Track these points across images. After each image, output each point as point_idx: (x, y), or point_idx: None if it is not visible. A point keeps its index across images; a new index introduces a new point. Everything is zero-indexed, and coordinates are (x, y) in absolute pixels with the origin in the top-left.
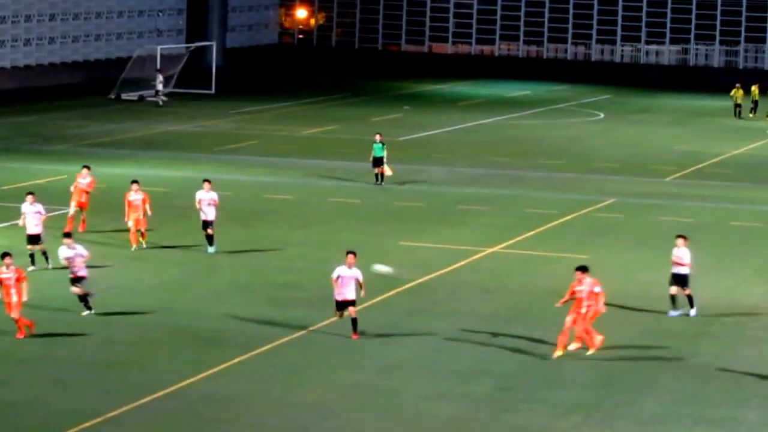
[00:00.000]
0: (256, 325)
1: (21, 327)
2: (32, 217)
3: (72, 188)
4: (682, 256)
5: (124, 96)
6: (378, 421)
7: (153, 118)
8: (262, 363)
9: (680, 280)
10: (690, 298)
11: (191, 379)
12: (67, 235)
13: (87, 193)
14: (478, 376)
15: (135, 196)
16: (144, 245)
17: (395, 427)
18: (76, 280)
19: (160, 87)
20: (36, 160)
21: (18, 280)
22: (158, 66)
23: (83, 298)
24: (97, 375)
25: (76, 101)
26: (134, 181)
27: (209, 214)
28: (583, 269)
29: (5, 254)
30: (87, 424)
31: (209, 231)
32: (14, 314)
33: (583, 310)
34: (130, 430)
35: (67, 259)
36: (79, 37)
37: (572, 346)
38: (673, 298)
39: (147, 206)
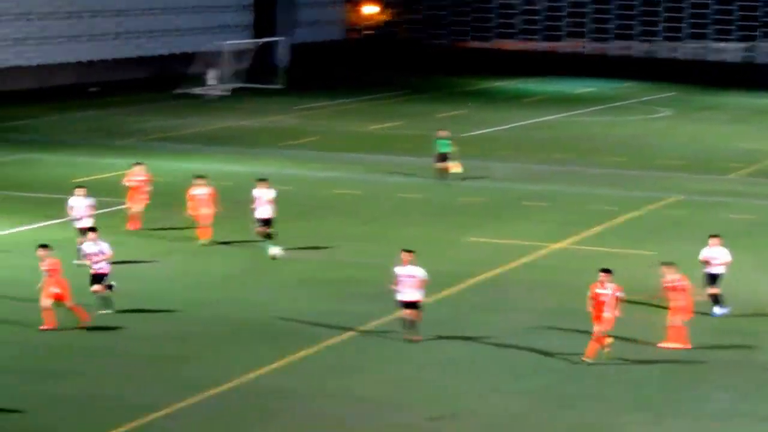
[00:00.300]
0: (318, 320)
1: (81, 314)
2: (84, 210)
3: (125, 184)
4: (716, 255)
5: (190, 91)
6: (436, 416)
7: (218, 114)
8: (324, 357)
9: (713, 279)
10: (716, 297)
11: (254, 373)
12: (93, 229)
13: (143, 189)
14: (537, 372)
15: (200, 190)
16: (206, 241)
17: (453, 423)
18: (98, 278)
19: (212, 81)
20: (102, 155)
21: (51, 272)
22: (214, 61)
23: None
24: (160, 368)
25: (142, 96)
26: (199, 176)
27: (266, 212)
28: (607, 271)
29: (41, 246)
30: (151, 417)
31: (268, 230)
32: (68, 304)
33: (607, 314)
34: (194, 423)
35: (89, 255)
36: (146, 33)
37: (664, 345)
38: (714, 297)
39: (213, 202)
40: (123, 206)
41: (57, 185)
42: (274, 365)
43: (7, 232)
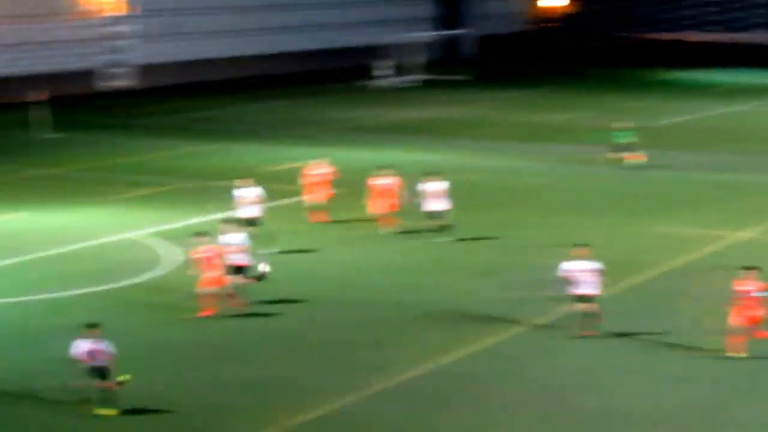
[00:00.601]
0: (501, 307)
1: (211, 304)
2: (250, 201)
3: (303, 179)
4: None
5: (376, 83)
6: (630, 402)
7: (405, 104)
8: (510, 344)
9: None
10: None
11: (443, 359)
12: (229, 220)
13: (326, 182)
14: (723, 364)
15: (383, 181)
16: (391, 230)
17: (647, 408)
18: (238, 270)
19: (385, 72)
20: (289, 145)
21: (205, 259)
22: (399, 52)
23: (259, 278)
24: (348, 353)
25: (328, 88)
26: (384, 167)
27: (437, 205)
28: (750, 269)
29: (197, 234)
30: (343, 401)
31: (439, 221)
32: (207, 290)
33: (748, 313)
34: (385, 408)
35: (230, 245)
36: (333, 26)
37: None
38: None
39: (399, 192)
40: (303, 198)
41: (246, 174)
42: (462, 351)
43: (200, 220)
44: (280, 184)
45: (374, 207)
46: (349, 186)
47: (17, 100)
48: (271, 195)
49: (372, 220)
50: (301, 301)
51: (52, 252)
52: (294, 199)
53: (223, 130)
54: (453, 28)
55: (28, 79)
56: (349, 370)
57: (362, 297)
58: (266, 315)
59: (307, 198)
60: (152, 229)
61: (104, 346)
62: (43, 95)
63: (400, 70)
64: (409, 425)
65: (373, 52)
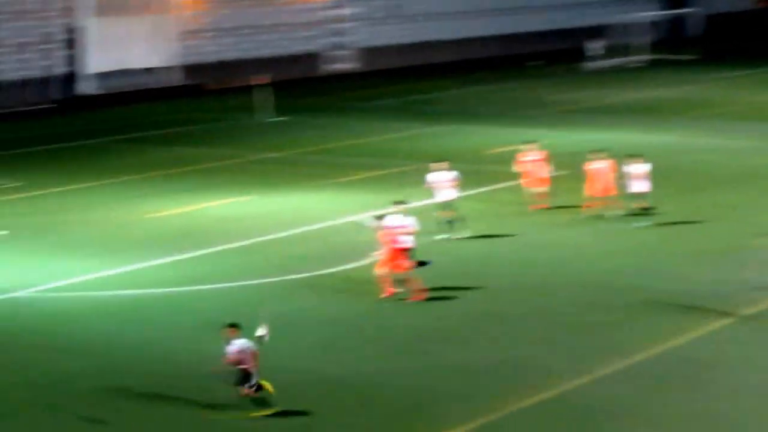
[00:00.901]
0: (721, 293)
1: (390, 285)
2: (446, 183)
3: (519, 165)
4: None
5: (597, 64)
6: None
7: (632, 85)
8: (735, 329)
9: None
10: None
11: (665, 344)
12: (400, 202)
13: (539, 168)
14: None
15: (598, 164)
16: (613, 212)
17: None
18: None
19: (600, 52)
20: (511, 126)
21: (387, 242)
22: (617, 33)
23: (420, 263)
24: (570, 337)
25: (551, 69)
26: (598, 150)
27: (640, 186)
28: None
29: (377, 217)
30: (567, 385)
31: (641, 204)
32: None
33: None
34: (608, 391)
35: (399, 227)
36: (559, 6)
37: None
38: None
39: (613, 174)
40: (521, 184)
41: (470, 156)
42: (686, 336)
43: (419, 203)
44: (499, 166)
45: (590, 191)
46: (569, 169)
47: (241, 83)
48: (491, 178)
49: (587, 204)
50: (510, 285)
51: (276, 236)
52: (511, 183)
53: (446, 113)
54: (679, 7)
55: (252, 63)
56: (573, 353)
57: (578, 281)
58: (478, 298)
59: (524, 184)
60: (374, 212)
61: (239, 346)
62: (266, 79)
63: (623, 50)
64: (635, 408)
65: (598, 32)
